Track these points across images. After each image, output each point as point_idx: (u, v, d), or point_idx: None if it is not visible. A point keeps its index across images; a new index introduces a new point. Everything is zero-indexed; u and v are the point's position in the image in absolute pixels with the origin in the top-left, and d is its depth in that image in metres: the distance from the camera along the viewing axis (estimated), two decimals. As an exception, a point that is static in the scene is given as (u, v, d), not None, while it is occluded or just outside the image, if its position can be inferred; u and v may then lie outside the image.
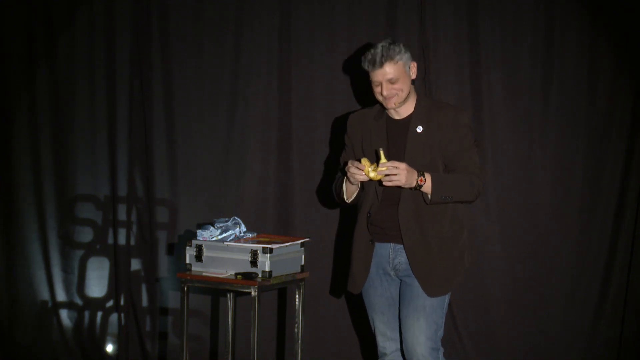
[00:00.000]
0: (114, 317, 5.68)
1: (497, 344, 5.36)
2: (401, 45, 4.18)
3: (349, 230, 4.43)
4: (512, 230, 5.33)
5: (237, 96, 5.51)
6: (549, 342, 5.35)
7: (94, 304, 5.71)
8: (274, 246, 4.63)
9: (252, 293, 4.56)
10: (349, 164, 4.15)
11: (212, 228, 4.77)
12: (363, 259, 4.30)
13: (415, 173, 4.08)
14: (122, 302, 5.64)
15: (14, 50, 5.68)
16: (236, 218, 4.88)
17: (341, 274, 5.22)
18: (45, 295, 5.73)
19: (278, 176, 5.50)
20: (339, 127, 4.62)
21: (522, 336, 5.37)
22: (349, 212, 4.60)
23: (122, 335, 5.64)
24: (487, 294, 5.35)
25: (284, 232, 5.41)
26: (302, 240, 4.84)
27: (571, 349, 5.34)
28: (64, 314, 5.73)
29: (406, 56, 4.17)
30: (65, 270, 5.71)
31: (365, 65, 4.17)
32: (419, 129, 4.20)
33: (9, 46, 5.68)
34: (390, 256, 4.26)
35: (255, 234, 4.90)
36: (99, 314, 5.71)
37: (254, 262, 4.61)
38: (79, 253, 5.70)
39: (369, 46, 4.23)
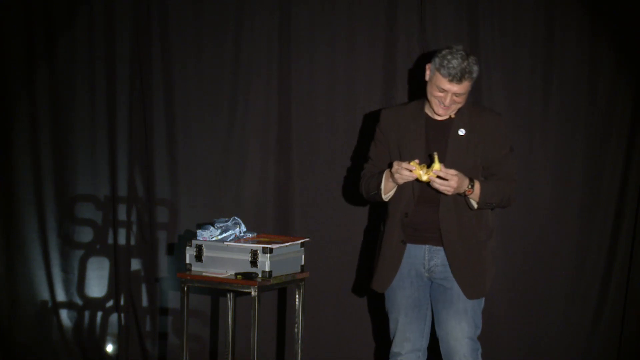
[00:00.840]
0: (114, 317, 5.68)
1: (497, 343, 5.36)
2: (475, 59, 4.09)
3: (374, 230, 4.37)
4: (512, 230, 5.33)
5: (237, 96, 5.51)
6: (549, 342, 5.35)
7: (94, 304, 5.71)
8: (274, 246, 4.63)
9: (252, 293, 4.56)
10: (396, 165, 4.06)
11: (212, 228, 4.77)
12: (393, 258, 4.25)
13: (466, 181, 4.06)
14: (122, 302, 5.64)
15: (14, 50, 5.68)
16: (236, 218, 4.88)
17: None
18: (45, 295, 5.73)
19: (278, 176, 5.49)
20: (372, 122, 4.55)
21: (522, 336, 5.37)
22: (378, 211, 4.54)
23: (122, 335, 5.64)
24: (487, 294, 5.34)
25: (284, 232, 5.41)
26: (302, 240, 4.84)
27: (571, 349, 5.34)
28: (64, 314, 5.72)
29: (477, 72, 4.10)
30: (65, 270, 5.71)
31: (444, 73, 4.04)
32: (462, 132, 4.16)
33: (9, 46, 5.68)
34: (426, 258, 4.22)
35: (255, 234, 4.90)
36: (99, 314, 5.71)
37: (254, 262, 4.61)
38: (79, 253, 5.70)
39: (444, 49, 4.11)
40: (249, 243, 4.68)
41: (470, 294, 4.18)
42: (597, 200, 5.30)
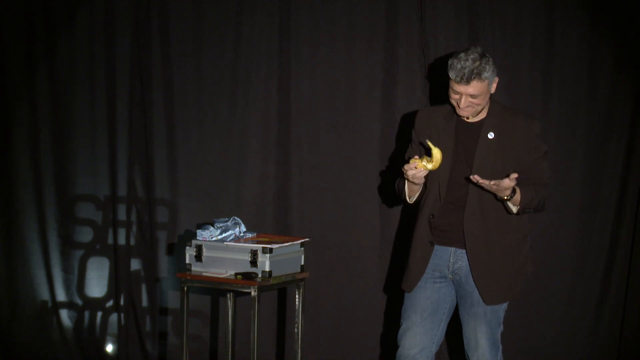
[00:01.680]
0: (114, 317, 5.68)
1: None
2: (490, 60, 4.07)
3: (406, 231, 4.36)
4: (512, 230, 5.32)
5: (237, 96, 5.51)
6: (549, 342, 5.35)
7: (94, 304, 5.71)
8: (274, 246, 4.63)
9: (252, 293, 4.56)
10: (404, 169, 4.07)
11: (212, 228, 4.77)
12: (421, 258, 4.23)
13: (509, 190, 4.02)
14: (122, 302, 5.64)
15: (14, 50, 5.68)
16: (236, 218, 4.88)
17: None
18: (45, 295, 5.73)
19: (278, 176, 5.50)
20: (408, 122, 4.55)
21: (522, 336, 5.36)
22: (410, 213, 4.53)
23: (122, 335, 5.64)
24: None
25: (284, 232, 5.42)
26: (302, 240, 4.84)
27: (571, 349, 5.34)
28: (64, 313, 5.73)
29: (493, 74, 4.07)
30: (65, 270, 5.71)
31: (452, 75, 4.05)
32: (491, 135, 4.14)
33: (9, 46, 5.68)
34: (451, 260, 4.20)
35: (255, 234, 4.90)
36: (99, 314, 5.71)
37: (253, 262, 4.61)
38: (79, 253, 5.71)
39: (457, 52, 4.11)
40: (248, 243, 4.68)
41: (489, 299, 4.17)
42: (597, 200, 5.30)
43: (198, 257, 4.71)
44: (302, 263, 4.83)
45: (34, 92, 5.68)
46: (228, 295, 5.06)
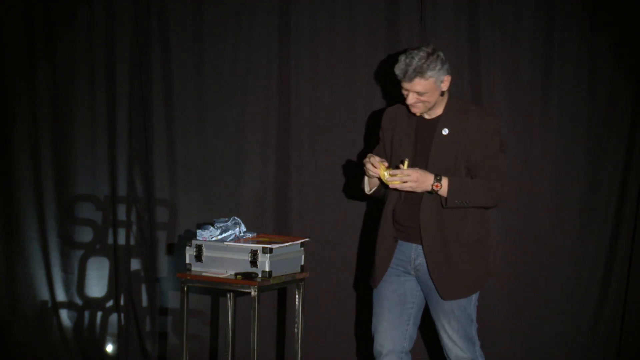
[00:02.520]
0: (114, 317, 5.68)
1: (496, 344, 5.36)
2: (439, 59, 4.11)
3: (372, 229, 4.40)
4: (512, 230, 5.32)
5: (237, 96, 5.51)
6: (549, 342, 5.35)
7: (94, 304, 5.71)
8: (274, 246, 4.63)
9: (252, 293, 4.56)
10: (367, 158, 4.14)
11: (212, 228, 4.77)
12: (385, 255, 4.28)
13: (431, 178, 4.08)
14: (122, 302, 5.64)
15: (14, 50, 5.68)
16: (236, 218, 4.88)
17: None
18: (45, 295, 5.73)
19: (278, 176, 5.49)
20: (376, 122, 4.60)
21: (522, 336, 5.36)
22: (374, 209, 4.56)
23: (122, 335, 5.64)
24: (487, 294, 5.34)
25: (284, 232, 5.41)
26: (302, 240, 4.84)
27: (571, 349, 5.34)
28: (64, 313, 5.73)
29: (440, 72, 4.11)
30: (65, 270, 5.71)
31: (397, 72, 4.12)
32: (445, 131, 4.18)
33: (9, 46, 5.68)
34: (412, 256, 4.24)
35: (255, 234, 4.90)
36: (99, 314, 5.71)
37: (253, 262, 4.61)
38: (79, 253, 5.70)
39: (408, 49, 4.16)
40: (248, 243, 4.68)
41: (446, 294, 4.19)
42: (597, 200, 5.30)
43: (198, 257, 4.71)
44: (302, 263, 4.83)
45: (34, 92, 5.68)
46: (228, 295, 5.06)
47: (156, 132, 5.58)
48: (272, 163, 5.49)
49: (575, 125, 5.28)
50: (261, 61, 5.47)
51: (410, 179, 4.06)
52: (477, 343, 4.27)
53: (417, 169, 4.10)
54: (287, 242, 4.76)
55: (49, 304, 5.73)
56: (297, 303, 4.84)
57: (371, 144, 4.90)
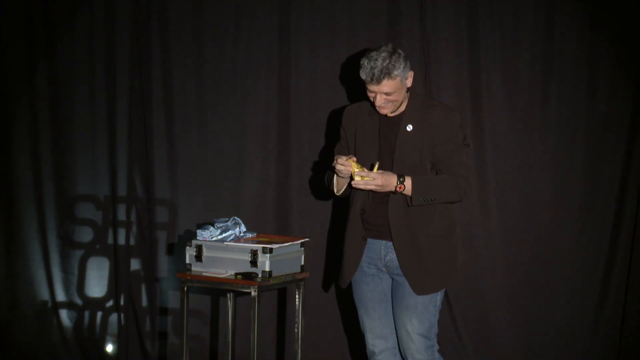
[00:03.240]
0: (114, 317, 5.68)
1: (497, 344, 5.36)
2: (401, 57, 4.10)
3: (340, 227, 4.42)
4: (512, 230, 5.33)
5: (237, 96, 5.51)
6: (549, 342, 5.35)
7: (94, 304, 5.71)
8: (274, 246, 4.63)
9: (252, 293, 4.56)
10: (336, 159, 4.14)
11: (212, 228, 4.77)
12: (354, 253, 4.30)
13: (394, 179, 4.08)
14: (122, 302, 5.64)
15: (14, 50, 5.68)
16: (236, 218, 4.88)
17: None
18: (45, 295, 5.73)
19: (278, 176, 5.50)
20: (337, 119, 4.63)
21: (522, 336, 5.37)
22: (341, 210, 4.59)
23: (122, 335, 5.64)
24: (487, 295, 5.35)
25: (284, 232, 5.42)
26: (302, 240, 4.84)
27: (571, 349, 5.34)
28: (64, 314, 5.73)
29: (405, 70, 4.12)
30: (65, 270, 5.71)
31: (362, 75, 4.11)
32: (409, 127, 4.19)
33: (9, 46, 5.68)
34: (382, 253, 4.26)
35: (255, 234, 4.90)
36: (99, 314, 5.71)
37: (253, 262, 4.61)
38: (79, 253, 5.70)
39: (368, 51, 4.15)
40: (249, 243, 4.68)
41: (419, 289, 4.20)
42: (597, 200, 5.30)
43: (198, 257, 4.71)
44: (302, 263, 4.83)
45: (34, 92, 5.68)
46: (228, 295, 5.06)
47: (156, 132, 5.58)
48: (272, 163, 5.50)
49: (575, 125, 5.28)
50: (261, 61, 5.47)
51: (375, 183, 4.06)
52: (436, 346, 4.28)
53: (382, 173, 4.07)
54: (287, 242, 4.76)
55: (49, 304, 5.73)
56: (297, 303, 4.84)
57: (332, 142, 4.91)
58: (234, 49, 5.49)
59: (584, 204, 5.31)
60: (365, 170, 4.08)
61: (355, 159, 4.12)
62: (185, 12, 5.52)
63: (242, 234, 4.84)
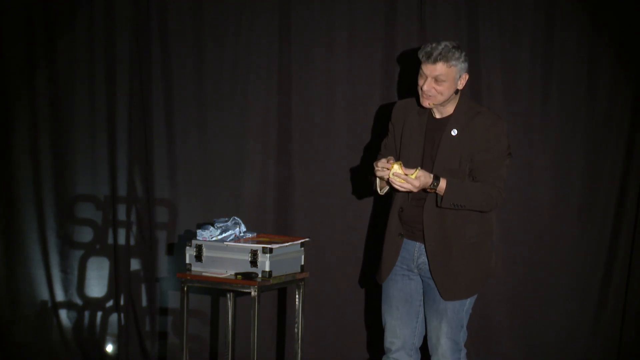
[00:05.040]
0: (114, 317, 5.68)
1: (497, 344, 5.37)
2: (463, 54, 4.10)
3: (381, 225, 4.41)
4: (512, 230, 5.33)
5: (237, 96, 5.51)
6: (549, 343, 5.35)
7: (93, 304, 5.71)
8: (274, 246, 4.63)
9: (252, 293, 4.56)
10: (375, 164, 4.10)
11: (212, 228, 4.77)
12: (391, 251, 4.29)
13: (430, 179, 4.05)
14: (122, 302, 5.64)
15: (14, 50, 5.68)
16: (236, 218, 4.88)
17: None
18: (45, 295, 5.73)
19: (278, 176, 5.50)
20: (385, 114, 4.60)
21: (522, 336, 5.37)
22: (384, 206, 4.56)
23: (122, 335, 5.64)
24: (487, 294, 5.34)
25: (284, 232, 5.41)
26: (302, 240, 4.84)
27: (571, 349, 5.35)
28: (63, 314, 5.72)
29: (462, 66, 4.11)
30: (65, 270, 5.71)
31: (421, 55, 4.10)
32: (454, 132, 4.16)
33: (9, 46, 5.68)
34: (415, 255, 4.25)
35: (255, 234, 4.90)
36: (99, 314, 5.71)
37: (253, 262, 4.61)
38: (79, 253, 5.70)
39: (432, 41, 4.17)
40: (248, 243, 4.68)
41: (447, 295, 4.19)
42: (597, 200, 5.30)
43: (198, 257, 4.71)
44: (302, 263, 4.83)
45: (34, 92, 5.68)
46: (228, 295, 5.06)
47: (156, 132, 5.58)
48: (272, 163, 5.49)
49: (575, 125, 5.29)
50: (261, 61, 5.47)
51: (412, 183, 4.03)
52: (463, 350, 4.28)
53: (421, 175, 4.04)
54: (287, 242, 4.76)
55: (49, 304, 5.73)
56: (297, 303, 4.84)
57: (379, 136, 4.87)
58: (234, 49, 5.49)
59: (584, 204, 5.31)
60: (405, 172, 4.03)
61: (392, 160, 4.08)
62: (185, 12, 5.52)
63: (242, 234, 4.84)
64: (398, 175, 4.02)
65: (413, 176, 4.01)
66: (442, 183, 4.08)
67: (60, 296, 5.72)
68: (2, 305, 5.74)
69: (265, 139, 5.49)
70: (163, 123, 5.58)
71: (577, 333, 5.34)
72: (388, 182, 4.14)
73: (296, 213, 5.46)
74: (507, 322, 5.37)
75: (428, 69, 4.08)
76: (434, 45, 4.08)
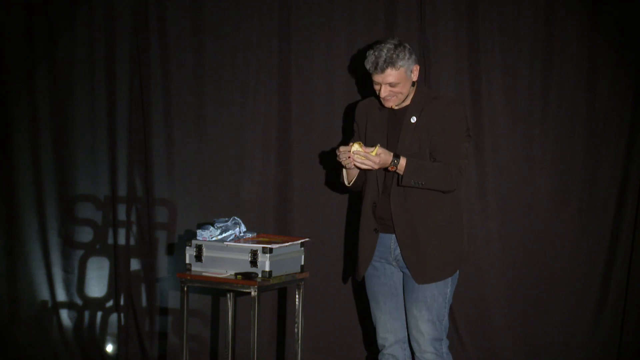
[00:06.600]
0: (113, 317, 5.68)
1: (497, 344, 5.36)
2: (406, 49, 4.21)
3: (354, 223, 4.45)
4: (512, 230, 5.33)
5: (237, 96, 5.51)
6: (549, 343, 5.35)
7: (94, 304, 5.71)
8: (274, 246, 4.63)
9: (252, 293, 4.56)
10: (337, 151, 4.20)
11: (212, 228, 4.77)
12: (367, 247, 4.36)
13: (390, 157, 4.13)
14: (122, 302, 5.64)
15: (14, 50, 5.68)
16: (236, 218, 4.88)
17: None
18: (45, 295, 5.73)
19: (278, 176, 5.50)
20: (350, 115, 4.67)
21: (522, 336, 5.37)
22: (355, 206, 4.62)
23: (122, 335, 5.64)
24: (487, 294, 5.35)
25: (284, 232, 5.42)
26: (302, 240, 4.84)
27: (571, 349, 5.34)
28: (64, 313, 5.73)
29: (409, 61, 4.22)
30: (65, 270, 5.71)
31: (367, 66, 4.22)
32: (413, 119, 4.27)
33: (9, 46, 5.68)
34: (392, 247, 4.32)
35: (255, 234, 4.90)
36: (99, 314, 5.71)
37: (253, 262, 4.61)
38: (79, 253, 5.70)
39: (375, 44, 4.26)
40: (248, 243, 4.68)
41: (419, 278, 4.25)
42: (596, 199, 5.30)
43: (198, 257, 4.71)
44: (302, 263, 4.83)
45: (34, 92, 5.68)
46: (228, 295, 5.06)
47: (156, 132, 5.58)
48: (272, 163, 5.49)
49: (575, 125, 5.28)
50: (261, 61, 5.47)
51: (371, 164, 4.11)
52: (445, 341, 4.32)
53: (381, 152, 4.11)
54: (287, 242, 4.76)
55: (49, 304, 5.73)
56: (297, 303, 4.84)
57: (348, 136, 4.92)
58: (233, 49, 5.49)
59: (584, 204, 5.31)
60: (365, 150, 4.12)
61: (352, 142, 4.17)
62: (185, 12, 5.52)
63: (242, 234, 4.84)
64: (358, 153, 4.11)
65: (373, 153, 4.12)
66: (402, 161, 4.16)
67: (60, 296, 5.72)
68: (2, 305, 5.74)
69: (265, 139, 5.49)
70: (163, 123, 5.58)
71: (577, 333, 5.34)
72: (359, 176, 4.24)
73: (296, 213, 5.46)
74: (507, 322, 5.37)
75: (379, 77, 4.21)
76: (376, 53, 4.19)
